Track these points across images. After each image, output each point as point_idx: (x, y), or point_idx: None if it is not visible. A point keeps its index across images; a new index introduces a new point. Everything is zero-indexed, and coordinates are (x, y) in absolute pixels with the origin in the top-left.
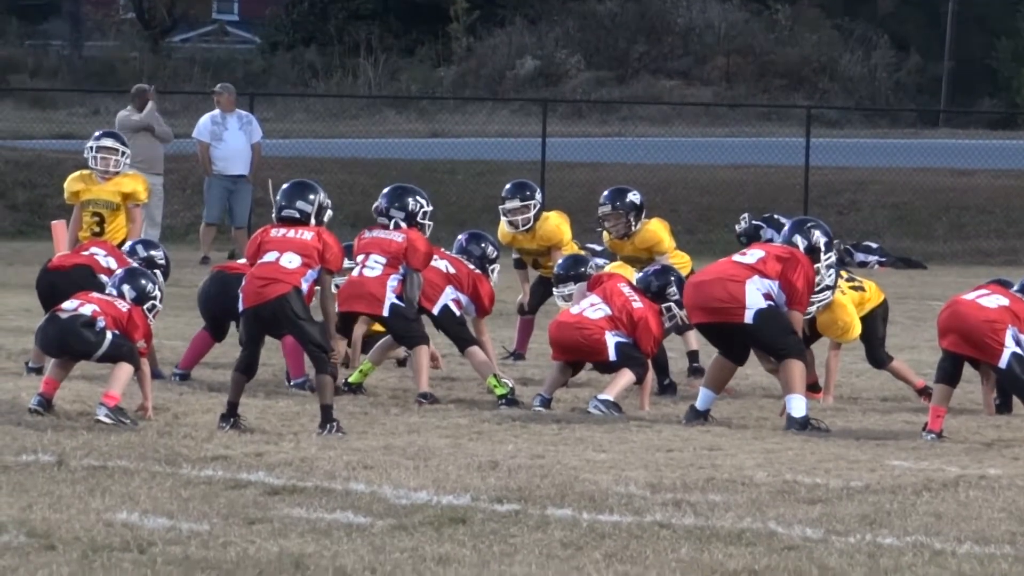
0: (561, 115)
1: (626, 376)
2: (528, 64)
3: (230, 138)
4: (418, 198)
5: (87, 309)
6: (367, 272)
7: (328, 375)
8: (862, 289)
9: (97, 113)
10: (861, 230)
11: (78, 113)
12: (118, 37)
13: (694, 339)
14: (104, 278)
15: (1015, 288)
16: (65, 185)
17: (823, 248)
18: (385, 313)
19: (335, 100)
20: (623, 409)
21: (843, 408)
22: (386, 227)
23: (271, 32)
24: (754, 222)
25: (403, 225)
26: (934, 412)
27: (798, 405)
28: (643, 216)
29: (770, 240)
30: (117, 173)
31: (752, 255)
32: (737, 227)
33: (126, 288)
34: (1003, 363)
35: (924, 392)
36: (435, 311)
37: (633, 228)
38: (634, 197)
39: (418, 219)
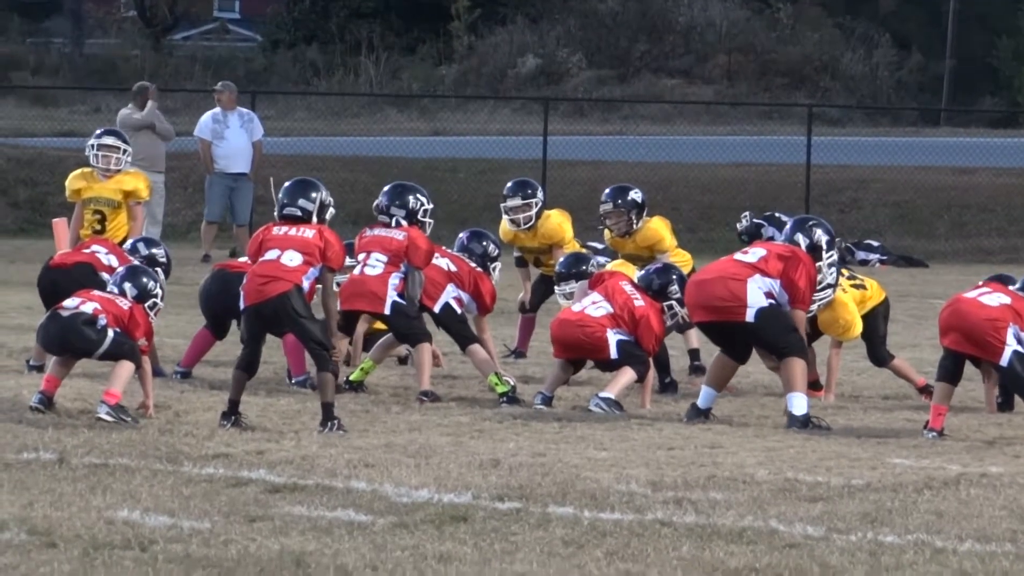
0: (562, 113)
1: (627, 374)
2: (529, 62)
3: (231, 136)
4: (419, 196)
5: (88, 307)
6: (368, 270)
7: (329, 373)
8: (863, 287)
9: (98, 111)
10: (862, 228)
11: (79, 111)
12: (119, 35)
13: (695, 337)
14: (105, 276)
15: (1016, 286)
16: (66, 183)
17: (825, 246)
18: (387, 311)
19: (336, 98)
20: (624, 407)
21: (844, 406)
22: (387, 225)
23: (272, 30)
24: (755, 220)
25: (404, 223)
26: (935, 410)
27: (799, 403)
28: (644, 214)
29: (771, 239)
30: (119, 171)
31: (754, 254)
32: (738, 225)
33: (127, 286)
34: (1004, 361)
35: (925, 390)
36: (436, 309)
37: (634, 226)
38: (635, 195)
39: (419, 217)
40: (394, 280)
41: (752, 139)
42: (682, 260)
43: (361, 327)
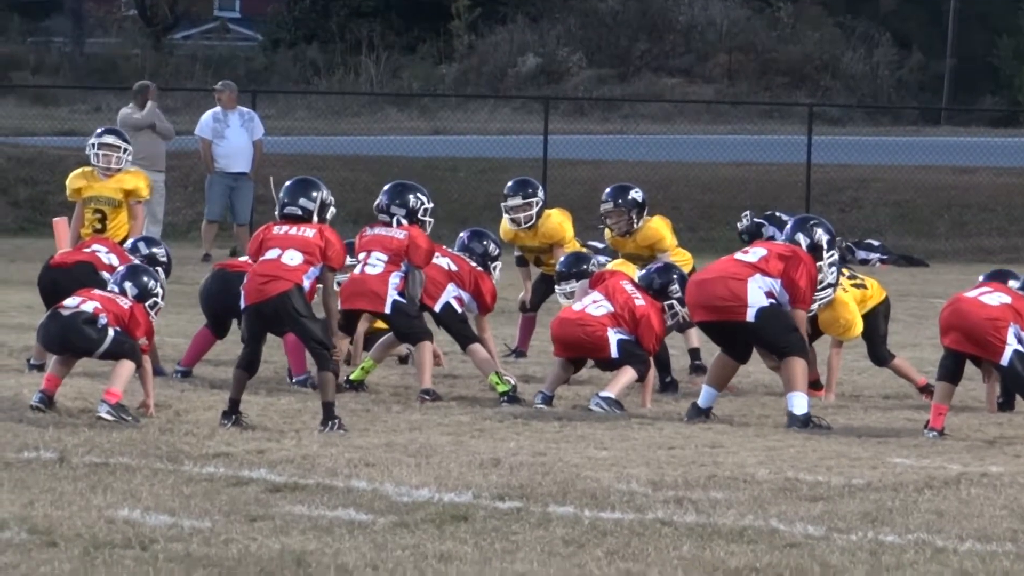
0: (563, 113)
1: (628, 373)
2: (530, 62)
3: (232, 135)
4: (419, 195)
5: (89, 306)
6: (369, 269)
7: (330, 372)
8: (864, 287)
9: (99, 110)
10: (863, 228)
11: (80, 110)
12: (120, 34)
13: (696, 337)
14: (106, 275)
15: (1017, 285)
16: (67, 182)
17: (825, 246)
18: (387, 310)
19: (337, 97)
20: (625, 406)
21: (845, 406)
22: (387, 224)
23: (273, 29)
24: (756, 220)
25: (404, 222)
26: (936, 410)
27: (800, 403)
28: (645, 213)
29: (772, 238)
30: (119, 170)
31: (754, 253)
32: (739, 225)
33: (128, 285)
34: (1005, 361)
35: (926, 390)
36: (437, 308)
37: (635, 225)
38: (636, 194)
39: (419, 216)
40: (395, 279)
41: (752, 138)
42: (683, 259)
43: (362, 326)
